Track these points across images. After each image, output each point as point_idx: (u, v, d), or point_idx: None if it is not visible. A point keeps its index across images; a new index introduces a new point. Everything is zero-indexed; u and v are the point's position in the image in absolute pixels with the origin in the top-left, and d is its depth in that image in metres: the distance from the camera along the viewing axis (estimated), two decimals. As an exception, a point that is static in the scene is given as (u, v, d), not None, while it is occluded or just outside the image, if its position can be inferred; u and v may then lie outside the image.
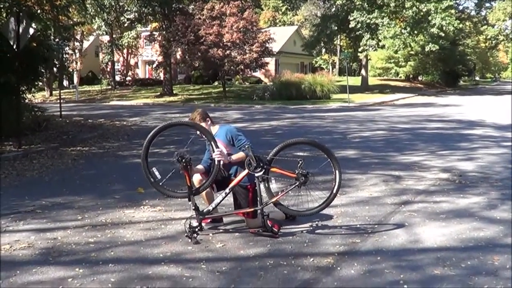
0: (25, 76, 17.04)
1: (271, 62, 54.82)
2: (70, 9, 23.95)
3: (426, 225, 7.49)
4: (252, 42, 42.36)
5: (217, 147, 7.06)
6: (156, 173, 6.96)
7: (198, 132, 7.30)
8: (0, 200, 9.40)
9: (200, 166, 7.51)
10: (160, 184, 7.13)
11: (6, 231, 7.42)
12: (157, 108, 36.66)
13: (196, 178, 7.43)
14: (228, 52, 41.52)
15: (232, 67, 42.96)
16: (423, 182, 10.55)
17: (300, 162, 7.01)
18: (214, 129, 7.69)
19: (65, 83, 64.17)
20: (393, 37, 47.53)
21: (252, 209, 7.19)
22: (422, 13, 46.13)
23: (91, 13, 42.65)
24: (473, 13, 67.79)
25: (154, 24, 54.90)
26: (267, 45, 43.70)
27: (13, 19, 14.80)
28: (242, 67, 43.10)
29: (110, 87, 61.17)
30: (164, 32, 48.14)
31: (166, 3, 46.83)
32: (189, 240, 6.76)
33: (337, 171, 7.01)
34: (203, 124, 7.49)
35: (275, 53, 49.92)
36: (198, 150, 7.53)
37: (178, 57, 48.84)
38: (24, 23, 14.85)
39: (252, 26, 43.34)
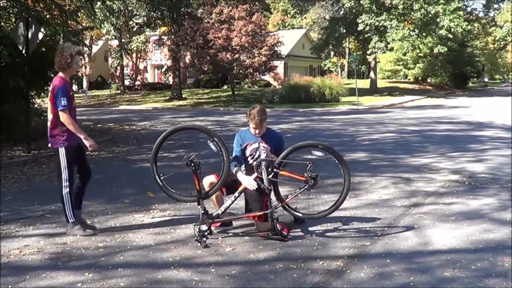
0: (35, 81, 17.05)
1: (280, 65, 54.72)
2: (79, 14, 23.99)
3: (436, 227, 7.48)
4: (261, 45, 42.36)
5: (226, 152, 7.04)
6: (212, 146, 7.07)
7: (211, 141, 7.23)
8: (10, 204, 9.43)
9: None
10: (169, 187, 7.17)
11: (16, 236, 7.42)
12: (166, 112, 36.66)
13: (207, 182, 7.45)
14: (237, 55, 41.56)
15: (241, 71, 42.98)
16: (433, 184, 10.53)
17: (309, 165, 7.00)
18: (262, 130, 7.63)
19: (75, 87, 64.29)
20: (402, 40, 47.54)
21: (262, 212, 7.18)
22: (430, 15, 46.13)
23: (100, 18, 42.70)
24: (481, 14, 67.71)
25: (163, 29, 54.96)
26: (275, 48, 43.73)
27: (22, 24, 14.84)
28: (251, 70, 43.07)
29: (119, 91, 61.29)
30: (173, 36, 48.18)
31: (175, 7, 46.87)
32: (199, 244, 6.75)
33: (346, 174, 6.99)
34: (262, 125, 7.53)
35: (283, 56, 49.90)
36: (207, 154, 7.51)
37: (187, 61, 48.91)
38: (33, 28, 14.88)
39: (260, 29, 43.37)
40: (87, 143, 7.29)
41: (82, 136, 7.25)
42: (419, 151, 15.20)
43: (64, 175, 7.37)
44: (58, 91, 7.24)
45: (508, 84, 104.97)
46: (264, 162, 7.04)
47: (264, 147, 7.46)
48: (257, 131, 7.52)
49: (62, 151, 7.34)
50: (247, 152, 7.60)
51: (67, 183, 7.40)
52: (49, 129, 7.50)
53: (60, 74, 7.45)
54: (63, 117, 7.22)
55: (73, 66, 7.46)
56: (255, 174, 7.08)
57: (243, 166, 7.49)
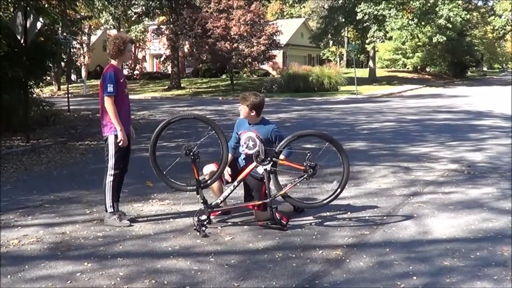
0: (33, 70, 17.02)
1: (278, 54, 54.55)
2: (78, 3, 23.96)
3: (435, 216, 7.48)
4: (260, 34, 42.31)
5: (225, 142, 7.03)
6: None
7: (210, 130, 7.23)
8: (8, 194, 9.42)
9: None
10: (168, 177, 7.17)
11: (15, 225, 7.42)
12: (165, 102, 36.61)
13: (207, 171, 7.46)
14: (235, 45, 41.53)
15: (239, 60, 42.99)
16: (432, 173, 10.53)
17: (308, 154, 6.99)
18: (257, 120, 7.62)
19: (73, 77, 64.12)
20: (401, 29, 47.48)
21: (262, 202, 7.18)
22: (429, 4, 46.04)
23: (99, 7, 42.63)
24: (480, 3, 67.47)
25: (162, 18, 54.86)
26: (274, 37, 43.69)
27: (20, 13, 14.79)
28: (250, 59, 43.08)
29: (118, 81, 61.07)
30: (171, 26, 48.00)
31: (173, -4, 46.76)
32: (198, 234, 6.75)
33: (345, 163, 6.99)
34: (251, 113, 7.51)
35: (282, 45, 49.86)
36: (207, 143, 7.49)
37: (186, 50, 48.88)
38: (31, 18, 14.83)
39: (259, 18, 43.30)
40: (120, 136, 7.23)
41: (118, 128, 7.19)
42: (418, 140, 15.21)
43: (110, 163, 7.39)
44: (106, 77, 7.25)
45: (507, 73, 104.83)
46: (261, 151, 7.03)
47: (253, 136, 7.46)
48: (248, 119, 7.55)
49: (111, 139, 7.33)
50: (242, 141, 7.60)
51: (112, 172, 7.41)
52: (100, 116, 7.50)
53: (112, 61, 7.48)
54: (107, 103, 7.21)
55: (126, 53, 7.49)
56: (254, 163, 7.06)
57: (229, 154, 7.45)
